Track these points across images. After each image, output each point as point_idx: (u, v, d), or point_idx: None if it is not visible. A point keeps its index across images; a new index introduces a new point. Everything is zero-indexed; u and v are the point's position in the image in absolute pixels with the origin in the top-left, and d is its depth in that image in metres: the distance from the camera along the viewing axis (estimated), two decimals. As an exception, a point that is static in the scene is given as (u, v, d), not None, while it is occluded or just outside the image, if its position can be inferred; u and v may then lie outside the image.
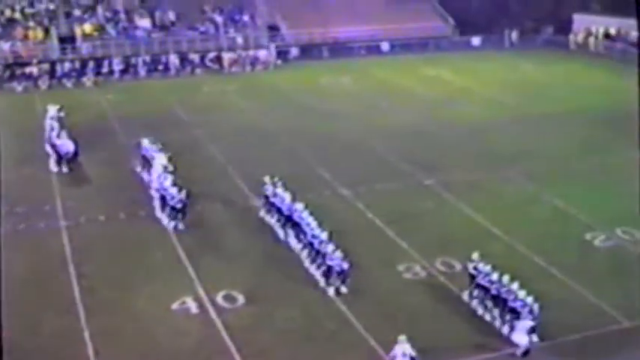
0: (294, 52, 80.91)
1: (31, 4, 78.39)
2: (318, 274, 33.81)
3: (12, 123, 56.73)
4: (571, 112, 60.37)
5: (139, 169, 46.11)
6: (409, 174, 46.60)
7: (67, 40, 75.01)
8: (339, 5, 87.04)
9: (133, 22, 78.79)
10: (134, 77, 72.10)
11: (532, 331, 29.02)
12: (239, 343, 29.08)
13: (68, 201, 42.00)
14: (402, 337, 26.64)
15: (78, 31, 75.61)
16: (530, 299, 29.32)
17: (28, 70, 70.24)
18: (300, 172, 45.94)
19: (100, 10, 78.68)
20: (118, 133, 53.57)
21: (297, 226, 36.67)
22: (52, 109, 51.61)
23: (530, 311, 29.16)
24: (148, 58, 73.70)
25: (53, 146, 47.42)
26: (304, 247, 35.67)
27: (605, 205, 42.36)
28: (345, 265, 32.68)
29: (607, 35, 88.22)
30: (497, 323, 30.30)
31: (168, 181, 39.75)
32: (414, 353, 26.54)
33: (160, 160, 42.50)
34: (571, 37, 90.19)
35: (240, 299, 32.06)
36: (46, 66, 70.83)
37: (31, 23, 76.02)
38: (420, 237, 37.47)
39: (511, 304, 29.78)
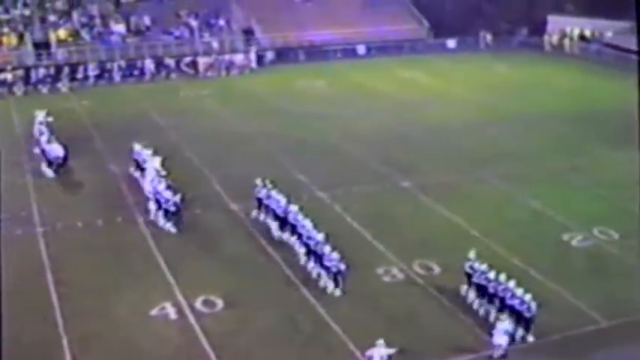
0: (270, 55, 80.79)
1: (6, 10, 78.00)
2: (314, 274, 34.13)
3: (-13, 129, 56.51)
4: (546, 113, 60.64)
5: (131, 170, 46.14)
6: (386, 176, 46.68)
7: (41, 46, 74.71)
8: (314, 9, 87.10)
9: (108, 27, 78.53)
10: (109, 82, 71.81)
11: (527, 328, 29.51)
12: (218, 348, 29.09)
13: (44, 207, 41.86)
14: (380, 342, 26.71)
15: (53, 37, 75.30)
16: (528, 297, 29.60)
17: (2, 76, 69.67)
18: (277, 175, 45.73)
19: (75, 15, 78.40)
20: (94, 139, 53.37)
21: (292, 228, 36.93)
22: (40, 114, 51.76)
23: (528, 309, 29.47)
24: (123, 63, 73.41)
25: (43, 151, 47.35)
26: (300, 248, 35.97)
27: (582, 205, 42.63)
28: (342, 267, 32.88)
29: (582, 36, 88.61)
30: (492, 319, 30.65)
31: (162, 185, 39.89)
32: (391, 357, 26.64)
33: (153, 163, 42.57)
34: (546, 38, 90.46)
35: (219, 304, 32.06)
36: (20, 72, 70.33)
37: (6, 29, 75.62)
38: (398, 239, 37.55)
39: (508, 301, 30.08)
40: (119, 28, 78.44)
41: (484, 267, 31.51)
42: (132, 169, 46.19)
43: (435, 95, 67.68)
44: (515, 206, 42.74)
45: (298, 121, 58.46)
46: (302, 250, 35.69)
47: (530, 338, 29.68)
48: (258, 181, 40.03)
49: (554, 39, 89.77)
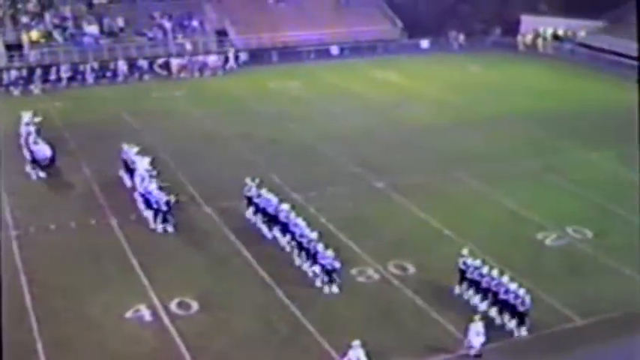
0: (243, 57, 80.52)
1: (-23, 12, 77.63)
2: (310, 273, 34.28)
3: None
4: (520, 113, 60.82)
5: (121, 172, 45.95)
6: (360, 177, 46.72)
7: (13, 48, 74.23)
8: (287, 10, 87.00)
9: (81, 28, 78.11)
10: (82, 84, 71.34)
11: (521, 321, 29.97)
12: (194, 350, 29.07)
13: (17, 210, 41.55)
14: (357, 342, 26.75)
15: (25, 38, 74.82)
16: (522, 291, 30.03)
17: (-26, 78, 69.48)
18: (251, 177, 45.86)
19: (47, 16, 77.95)
20: (67, 141, 53.00)
21: (283, 227, 37.10)
22: (27, 115, 51.58)
23: (523, 303, 29.85)
24: (96, 65, 73.00)
25: (30, 152, 47.21)
26: (292, 247, 36.19)
27: (556, 204, 42.86)
28: (337, 264, 33.13)
29: (555, 36, 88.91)
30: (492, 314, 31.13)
31: (152, 185, 39.97)
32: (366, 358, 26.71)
33: (143, 164, 42.54)
34: (519, 38, 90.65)
35: (194, 306, 32.04)
36: (-8, 74, 70.07)
37: (-23, 31, 75.26)
38: (373, 240, 37.62)
39: (502, 296, 30.50)
40: (92, 29, 77.92)
41: (477, 262, 32.11)
42: (121, 171, 46.01)
43: (408, 96, 67.72)
44: (490, 206, 42.91)
45: (272, 122, 58.38)
46: (295, 249, 35.89)
47: (524, 332, 30.15)
48: (248, 180, 40.24)
49: (528, 39, 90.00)
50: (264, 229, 38.76)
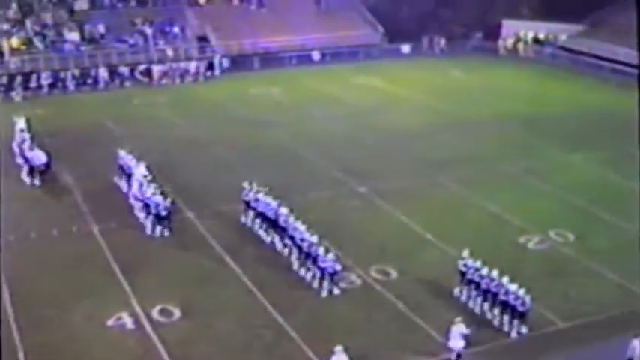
0: (225, 63, 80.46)
1: (-43, 20, 77.30)
2: (308, 277, 34.39)
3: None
4: (501, 117, 60.97)
5: (116, 179, 46.06)
6: (342, 182, 46.72)
7: (-6, 55, 74.10)
8: (268, 16, 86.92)
9: (62, 35, 77.88)
10: (63, 91, 71.10)
11: (522, 320, 30.41)
12: (176, 357, 29.03)
13: (-2, 218, 41.46)
14: (339, 348, 26.76)
15: (5, 46, 74.49)
16: (521, 292, 30.33)
17: (-45, 86, 69.20)
18: (232, 183, 45.72)
19: (28, 23, 77.70)
20: (48, 149, 52.71)
21: (282, 231, 37.25)
22: (21, 122, 51.60)
23: (523, 303, 30.15)
24: (77, 72, 72.76)
25: (25, 159, 47.16)
26: (291, 251, 36.34)
27: (538, 207, 42.98)
28: (339, 267, 33.32)
29: (536, 40, 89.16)
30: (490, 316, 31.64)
31: (150, 190, 40.04)
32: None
33: (140, 170, 42.59)
34: (500, 42, 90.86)
35: (177, 313, 31.97)
36: (-27, 82, 69.78)
37: (-42, 38, 74.95)
38: (355, 245, 37.60)
39: (502, 297, 30.78)
40: (73, 36, 77.66)
41: (477, 263, 32.35)
42: (117, 177, 46.10)
43: (390, 101, 67.76)
44: (472, 210, 42.97)
45: (254, 128, 58.27)
46: (294, 253, 36.04)
47: (524, 330, 30.53)
48: (246, 185, 40.39)
49: (509, 43, 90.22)
50: (262, 233, 38.91)
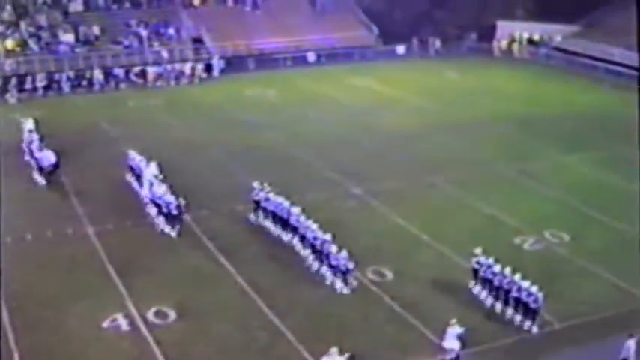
0: (220, 64, 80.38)
1: (-48, 21, 77.21)
2: (326, 274, 34.64)
3: None
4: (496, 118, 61.02)
5: (128, 177, 46.33)
6: (338, 183, 46.72)
7: (-12, 57, 74.00)
8: (263, 17, 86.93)
9: (57, 37, 77.80)
10: (58, 93, 71.02)
11: (533, 319, 30.81)
12: (172, 359, 28.95)
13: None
14: (334, 349, 26.78)
15: (0, 48, 74.52)
16: (534, 288, 30.68)
17: (-51, 87, 69.04)
18: (228, 184, 45.86)
19: (22, 25, 77.61)
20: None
21: (294, 230, 37.64)
22: (30, 123, 51.77)
23: (535, 300, 30.50)
24: (71, 74, 72.67)
25: (35, 159, 47.32)
26: (303, 249, 36.74)
27: (533, 208, 43.03)
28: (351, 265, 33.51)
29: (530, 41, 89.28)
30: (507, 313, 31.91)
31: (162, 189, 40.29)
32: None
33: (151, 169, 42.82)
34: (495, 43, 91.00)
35: (172, 315, 31.94)
36: (-32, 83, 69.66)
37: (-48, 40, 74.86)
38: (351, 246, 37.29)
39: (514, 294, 31.15)
40: (68, 38, 77.60)
41: (490, 261, 32.66)
42: (128, 176, 46.43)
43: (385, 102, 67.77)
44: (467, 211, 42.98)
45: (249, 129, 58.25)
46: (307, 251, 36.35)
47: (535, 329, 30.82)
48: (257, 185, 40.63)
49: (503, 44, 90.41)
50: (277, 231, 39.25)
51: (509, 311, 31.69)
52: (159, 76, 75.27)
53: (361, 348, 29.06)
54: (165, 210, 39.63)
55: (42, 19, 78.96)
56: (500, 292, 32.06)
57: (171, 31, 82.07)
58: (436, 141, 55.25)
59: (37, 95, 69.66)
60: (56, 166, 47.05)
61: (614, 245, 38.38)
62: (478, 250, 33.44)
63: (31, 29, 77.47)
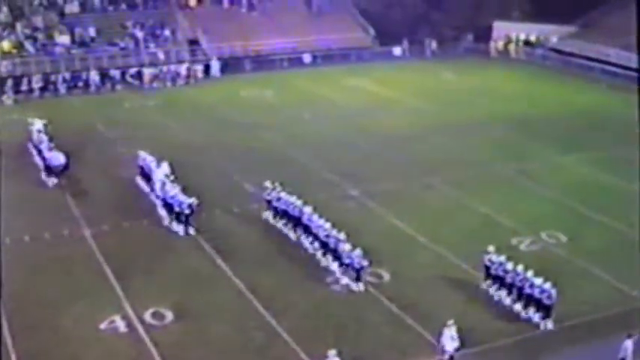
0: (218, 65, 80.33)
1: (-51, 23, 77.09)
2: (338, 272, 34.91)
3: None
4: (493, 119, 61.03)
5: (138, 178, 46.47)
6: (335, 185, 46.70)
7: (-16, 59, 73.89)
8: (260, 18, 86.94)
9: (53, 38, 77.73)
10: (54, 94, 70.94)
11: (547, 314, 31.03)
12: (169, 360, 28.99)
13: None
14: (332, 352, 26.74)
15: (-4, 49, 74.59)
16: (547, 285, 30.96)
17: (-55, 89, 68.94)
18: (225, 186, 45.86)
19: (18, 27, 77.52)
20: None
21: (306, 229, 37.88)
22: (39, 123, 51.98)
23: (549, 296, 30.74)
24: (67, 75, 72.56)
25: (43, 159, 47.44)
26: (316, 248, 36.94)
27: (530, 209, 43.01)
28: (365, 263, 33.74)
29: (527, 42, 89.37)
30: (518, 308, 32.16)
31: (175, 189, 40.52)
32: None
33: (162, 169, 43.05)
34: (491, 44, 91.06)
35: (169, 316, 31.91)
36: (-36, 85, 69.56)
37: (-51, 42, 74.74)
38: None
39: (527, 290, 31.47)
40: (64, 39, 77.53)
41: (502, 258, 32.92)
42: (138, 177, 46.60)
43: (381, 103, 67.76)
44: (464, 212, 42.97)
45: (246, 130, 58.21)
46: (319, 250, 36.60)
47: (550, 325, 30.96)
48: (268, 184, 40.98)
49: (500, 45, 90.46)
50: (288, 231, 39.46)
51: (518, 307, 31.97)
52: (155, 77, 75.20)
53: (359, 349, 29.11)
54: (177, 209, 39.74)
55: (38, 21, 78.89)
56: (512, 289, 32.33)
57: (167, 32, 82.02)
58: (433, 142, 55.25)
59: (33, 97, 69.60)
60: (66, 167, 47.12)
61: (613, 246, 38.39)
62: (491, 248, 33.66)
63: (27, 31, 77.42)
